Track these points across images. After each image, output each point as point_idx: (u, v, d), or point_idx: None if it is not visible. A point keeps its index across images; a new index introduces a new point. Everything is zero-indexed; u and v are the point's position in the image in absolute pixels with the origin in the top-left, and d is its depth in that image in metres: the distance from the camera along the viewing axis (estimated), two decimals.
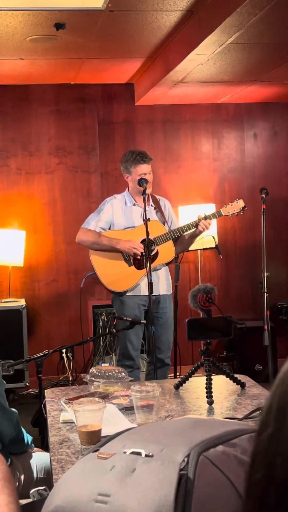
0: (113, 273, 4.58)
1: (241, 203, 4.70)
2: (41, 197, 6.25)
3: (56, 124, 6.27)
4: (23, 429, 2.61)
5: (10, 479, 1.36)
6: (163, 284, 4.61)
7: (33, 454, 2.66)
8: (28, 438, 2.64)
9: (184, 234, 4.60)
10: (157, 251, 4.51)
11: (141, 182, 4.47)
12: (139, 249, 4.46)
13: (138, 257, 4.49)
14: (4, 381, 2.51)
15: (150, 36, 4.72)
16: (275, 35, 4.25)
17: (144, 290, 4.54)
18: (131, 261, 4.56)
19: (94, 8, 4.04)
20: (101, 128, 6.35)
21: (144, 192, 4.41)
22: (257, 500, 0.64)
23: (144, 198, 4.40)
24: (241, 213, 4.75)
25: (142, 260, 4.51)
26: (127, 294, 4.57)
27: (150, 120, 6.45)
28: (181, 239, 4.65)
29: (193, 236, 4.59)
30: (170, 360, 4.83)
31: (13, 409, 2.54)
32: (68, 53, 5.13)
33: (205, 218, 4.53)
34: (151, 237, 4.34)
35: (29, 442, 2.64)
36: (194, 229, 4.52)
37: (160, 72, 5.27)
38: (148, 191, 4.51)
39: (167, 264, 4.65)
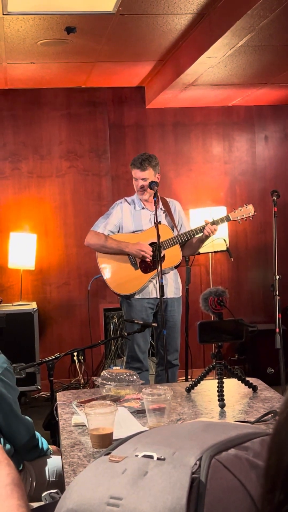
0: (119, 276, 4.60)
1: (250, 209, 4.68)
2: (52, 201, 6.27)
3: (67, 127, 6.29)
4: (39, 435, 2.61)
5: (20, 484, 1.36)
6: (171, 287, 4.61)
7: (47, 460, 2.67)
8: (44, 444, 2.64)
9: (191, 238, 4.60)
10: (164, 255, 4.51)
11: (152, 185, 4.49)
12: (148, 252, 4.48)
13: (148, 259, 4.50)
14: (17, 388, 2.52)
15: (160, 39, 4.73)
16: (286, 37, 4.24)
17: (152, 293, 4.56)
18: (138, 264, 4.57)
19: (105, 11, 4.05)
20: (112, 131, 6.36)
21: (155, 195, 4.42)
22: (271, 480, 0.71)
23: (155, 201, 4.40)
24: (250, 218, 4.73)
25: (149, 263, 4.53)
26: (135, 296, 4.58)
27: (161, 123, 6.45)
28: (189, 242, 4.65)
29: (201, 241, 4.60)
30: (181, 362, 4.83)
31: (27, 417, 2.55)
32: (79, 57, 5.15)
33: (213, 223, 4.52)
34: None
35: (45, 448, 2.65)
36: (201, 233, 4.52)
37: (171, 75, 5.27)
38: (145, 196, 4.55)
39: (175, 267, 4.65)
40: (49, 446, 2.74)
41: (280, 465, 0.69)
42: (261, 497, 0.72)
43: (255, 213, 4.73)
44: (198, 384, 2.84)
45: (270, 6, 3.48)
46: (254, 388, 2.82)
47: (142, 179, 4.56)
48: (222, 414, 2.54)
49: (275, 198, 4.48)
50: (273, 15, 3.63)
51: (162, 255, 4.46)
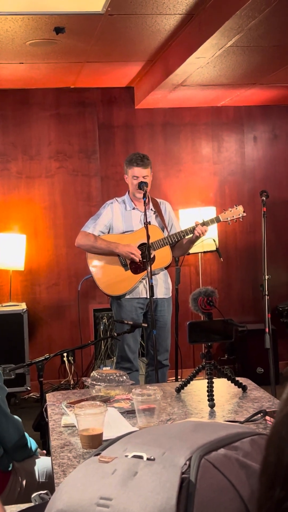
0: (109, 277, 4.60)
1: (240, 209, 4.69)
2: (41, 201, 6.25)
3: (56, 128, 6.28)
4: (27, 435, 2.61)
5: None
6: (161, 287, 4.62)
7: (36, 460, 2.66)
8: (32, 444, 2.64)
9: (181, 239, 4.60)
10: (154, 255, 4.51)
11: (141, 185, 4.48)
12: (137, 254, 4.48)
13: (138, 260, 4.50)
14: (5, 387, 2.52)
15: (149, 39, 4.73)
16: (275, 38, 4.25)
17: (142, 293, 4.56)
18: (128, 265, 4.57)
19: (94, 12, 4.05)
20: (101, 131, 6.36)
21: (144, 196, 4.42)
22: (270, 478, 0.72)
23: (144, 202, 4.40)
24: (240, 219, 4.75)
25: (139, 264, 4.53)
26: (125, 297, 4.58)
27: (150, 123, 6.45)
28: (180, 243, 4.66)
29: (191, 241, 4.60)
30: (171, 362, 4.83)
31: (15, 416, 2.54)
32: (68, 57, 5.14)
33: (203, 224, 4.53)
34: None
35: (33, 448, 2.64)
36: (192, 234, 4.53)
37: (160, 76, 5.28)
38: (142, 195, 4.55)
39: (165, 268, 4.66)
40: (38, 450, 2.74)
41: (281, 462, 0.70)
42: (259, 495, 0.73)
43: (245, 214, 4.74)
44: (188, 384, 2.84)
45: (258, 7, 3.48)
46: (244, 388, 2.83)
47: (143, 176, 4.56)
48: (212, 414, 2.55)
49: (264, 198, 4.49)
50: (262, 16, 3.64)
51: (152, 255, 4.46)
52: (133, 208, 4.66)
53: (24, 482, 2.56)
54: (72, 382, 6.13)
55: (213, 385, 2.63)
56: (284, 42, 4.37)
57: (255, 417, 2.38)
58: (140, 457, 1.03)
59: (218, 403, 2.63)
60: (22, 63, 5.23)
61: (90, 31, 4.44)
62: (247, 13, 3.58)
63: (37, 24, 4.25)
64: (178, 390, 2.84)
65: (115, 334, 4.32)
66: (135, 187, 4.58)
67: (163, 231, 4.63)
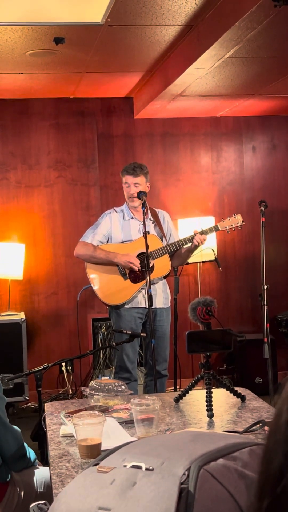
0: (108, 287, 4.60)
1: (239, 218, 4.70)
2: (40, 210, 6.26)
3: (55, 137, 6.30)
4: (26, 446, 2.60)
5: None
6: (160, 297, 4.61)
7: (35, 470, 2.65)
8: (31, 454, 2.63)
9: (180, 248, 4.61)
10: (153, 265, 4.51)
11: (140, 195, 4.49)
12: (136, 263, 4.49)
13: (137, 270, 4.50)
14: (4, 397, 2.51)
15: (149, 50, 4.75)
16: (273, 49, 4.27)
17: (141, 302, 4.56)
18: (127, 274, 4.57)
19: (93, 22, 4.07)
20: (101, 141, 6.37)
21: (143, 205, 4.42)
22: (260, 488, 0.72)
23: (143, 211, 4.41)
24: (239, 228, 4.75)
25: (138, 273, 4.53)
26: (124, 306, 4.58)
27: (149, 133, 6.47)
28: (178, 253, 4.66)
29: (190, 251, 4.60)
30: (170, 372, 4.82)
31: (14, 426, 2.53)
32: (68, 67, 5.16)
33: (202, 232, 4.54)
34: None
35: (32, 459, 2.63)
36: (190, 243, 4.53)
37: (159, 86, 5.30)
38: (135, 204, 4.56)
39: (164, 277, 4.66)
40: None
41: (268, 472, 0.69)
42: (250, 505, 0.73)
43: (244, 223, 4.75)
44: (187, 394, 2.84)
45: (257, 18, 3.50)
46: (243, 398, 2.83)
47: (135, 183, 4.57)
48: (211, 424, 2.54)
49: (262, 208, 4.50)
50: (261, 27, 3.66)
51: (151, 265, 4.46)
52: (132, 218, 4.66)
53: (22, 493, 2.55)
54: (70, 391, 6.12)
55: (212, 395, 2.63)
56: (282, 53, 4.39)
57: (254, 427, 2.37)
58: (139, 467, 1.03)
59: (216, 413, 2.63)
60: (22, 73, 5.25)
61: (89, 41, 4.46)
62: (246, 24, 3.60)
63: (37, 35, 4.27)
64: (177, 400, 2.84)
65: (114, 343, 4.31)
66: (128, 194, 4.62)
67: (162, 240, 4.63)
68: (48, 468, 2.38)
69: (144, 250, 4.29)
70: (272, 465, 0.69)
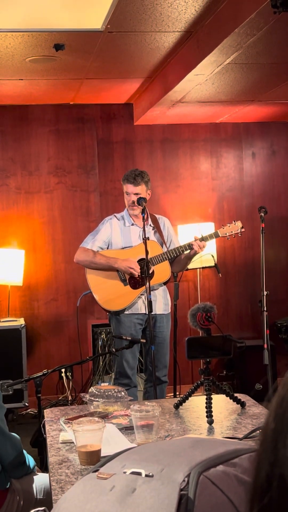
0: (108, 292, 4.59)
1: (239, 225, 4.70)
2: (40, 216, 6.26)
3: (55, 143, 6.30)
4: (26, 453, 2.59)
5: None
6: (160, 303, 4.61)
7: (34, 477, 2.64)
8: (30, 461, 2.62)
9: (180, 254, 4.61)
10: (153, 270, 4.51)
11: (140, 201, 4.50)
12: (136, 268, 4.48)
13: (137, 275, 4.50)
14: (4, 406, 2.50)
15: (148, 56, 4.76)
16: (273, 55, 4.28)
17: (141, 308, 4.56)
18: (127, 280, 4.57)
19: (93, 29, 4.08)
20: (100, 147, 6.38)
21: (143, 211, 4.43)
22: (251, 497, 0.71)
23: (143, 217, 4.41)
24: (239, 235, 4.75)
25: (138, 279, 4.53)
26: (124, 312, 4.58)
27: (149, 139, 6.48)
28: (178, 259, 4.66)
29: (190, 257, 4.60)
30: (170, 378, 4.81)
31: (14, 434, 2.53)
32: (68, 74, 5.17)
33: (202, 239, 4.54)
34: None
35: (31, 466, 2.62)
36: (190, 250, 4.53)
37: (159, 92, 5.31)
38: (135, 212, 4.56)
39: (164, 283, 4.66)
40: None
41: (257, 482, 0.69)
42: None
43: (244, 229, 4.75)
44: (187, 400, 2.83)
45: (257, 25, 3.51)
46: (242, 404, 2.82)
47: (135, 193, 4.57)
48: (211, 430, 2.54)
49: (262, 214, 4.51)
50: (260, 33, 3.67)
51: (151, 271, 4.46)
52: (132, 224, 4.66)
53: (22, 500, 2.54)
54: (70, 398, 6.11)
55: (212, 401, 2.62)
56: (282, 59, 4.40)
57: (254, 433, 2.37)
58: (139, 474, 1.02)
59: (216, 420, 2.62)
60: (22, 79, 5.26)
61: (89, 48, 4.47)
62: (245, 31, 3.60)
63: (37, 41, 4.28)
64: (177, 406, 2.83)
65: (114, 349, 4.31)
66: (128, 202, 4.63)
67: (162, 246, 4.63)
68: (47, 474, 2.37)
69: (144, 256, 4.29)
70: (260, 474, 0.69)
